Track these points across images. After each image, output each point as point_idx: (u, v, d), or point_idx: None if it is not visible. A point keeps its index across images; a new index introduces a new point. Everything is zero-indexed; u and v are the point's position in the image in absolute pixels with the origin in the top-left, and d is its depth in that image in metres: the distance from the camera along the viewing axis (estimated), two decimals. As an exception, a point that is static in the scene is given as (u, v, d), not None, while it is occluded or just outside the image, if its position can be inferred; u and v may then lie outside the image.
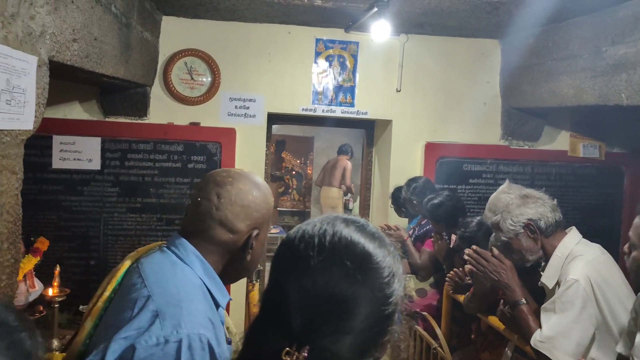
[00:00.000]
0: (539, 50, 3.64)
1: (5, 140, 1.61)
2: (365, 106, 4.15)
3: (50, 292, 3.01)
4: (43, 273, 3.06)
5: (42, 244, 3.16)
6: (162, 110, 3.89)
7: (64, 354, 2.07)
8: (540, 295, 2.33)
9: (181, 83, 3.90)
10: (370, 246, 0.85)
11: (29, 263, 2.92)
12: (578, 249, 2.17)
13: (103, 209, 3.82)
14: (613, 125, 4.15)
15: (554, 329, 2.02)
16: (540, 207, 2.20)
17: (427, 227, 3.62)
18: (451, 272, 2.96)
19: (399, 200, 3.87)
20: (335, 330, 0.80)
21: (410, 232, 3.80)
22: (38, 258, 3.10)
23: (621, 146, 4.38)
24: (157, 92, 3.88)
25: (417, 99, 4.17)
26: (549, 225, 2.20)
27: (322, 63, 4.08)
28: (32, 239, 3.05)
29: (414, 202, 3.65)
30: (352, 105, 4.14)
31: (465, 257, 2.41)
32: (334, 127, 5.10)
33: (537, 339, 2.05)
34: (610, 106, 2.97)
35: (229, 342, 1.34)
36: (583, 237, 2.26)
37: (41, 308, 3.01)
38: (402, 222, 4.02)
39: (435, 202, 3.26)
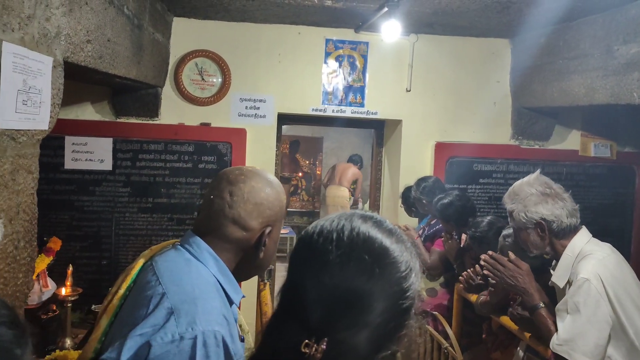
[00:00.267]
0: (549, 50, 3.63)
1: (21, 140, 1.63)
2: (375, 106, 4.16)
3: (63, 291, 3.04)
4: (55, 273, 3.09)
5: (55, 243, 3.20)
6: (173, 111, 3.92)
7: (80, 351, 2.10)
8: (550, 295, 2.32)
9: (192, 84, 3.93)
10: (387, 241, 0.86)
11: (42, 263, 2.95)
12: (588, 248, 2.16)
13: (115, 209, 3.85)
14: (624, 125, 4.13)
15: (570, 330, 2.01)
16: (558, 209, 2.17)
17: (437, 226, 3.62)
18: (463, 273, 2.96)
19: (409, 200, 3.88)
20: (353, 323, 0.81)
21: (420, 232, 3.79)
22: (51, 258, 3.13)
23: (633, 145, 4.36)
24: (168, 92, 3.91)
25: (427, 98, 4.17)
26: (562, 229, 2.18)
27: (332, 63, 4.09)
28: (44, 238, 3.08)
29: (424, 201, 3.64)
30: (362, 105, 4.15)
31: (481, 262, 2.40)
32: (343, 127, 5.11)
33: (555, 343, 2.04)
34: (621, 105, 2.96)
35: (242, 340, 1.35)
36: (594, 237, 2.25)
37: (54, 307, 3.04)
38: (412, 221, 4.02)
39: (445, 202, 3.26)
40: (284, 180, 8.40)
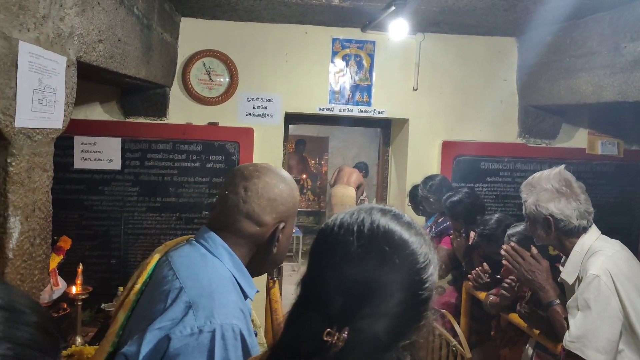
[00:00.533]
0: (556, 48, 3.63)
1: (37, 138, 1.66)
2: (382, 105, 4.17)
3: (74, 290, 3.07)
4: (66, 271, 3.12)
5: (65, 242, 3.23)
6: (181, 111, 3.94)
7: (96, 346, 2.12)
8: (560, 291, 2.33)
9: (200, 83, 3.95)
10: (406, 234, 0.89)
11: (53, 261, 2.98)
12: (597, 245, 2.16)
13: (124, 208, 3.87)
14: (632, 123, 4.13)
15: (581, 327, 2.01)
16: (569, 209, 2.17)
17: (444, 225, 3.63)
18: (472, 271, 2.97)
19: (417, 198, 3.89)
20: (374, 312, 0.83)
21: (427, 230, 3.80)
22: (61, 257, 3.16)
23: (640, 143, 4.36)
24: (176, 92, 3.93)
25: (434, 97, 4.18)
26: (569, 229, 2.18)
27: (339, 62, 4.10)
28: (55, 237, 3.11)
29: (431, 199, 3.65)
30: (369, 104, 4.16)
31: (502, 252, 2.40)
32: (350, 126, 5.12)
33: (567, 339, 2.05)
34: (629, 103, 2.96)
35: (254, 334, 1.37)
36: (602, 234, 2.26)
37: (65, 306, 3.07)
38: (420, 220, 4.03)
39: (454, 200, 3.27)
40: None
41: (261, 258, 1.37)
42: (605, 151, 4.24)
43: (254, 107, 4.04)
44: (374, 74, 4.14)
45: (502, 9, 3.30)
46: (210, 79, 3.96)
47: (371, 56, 4.13)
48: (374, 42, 4.12)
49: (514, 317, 2.60)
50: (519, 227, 2.60)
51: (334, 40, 4.08)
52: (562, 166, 2.32)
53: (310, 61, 4.07)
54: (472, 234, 3.23)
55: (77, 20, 1.88)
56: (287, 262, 5.03)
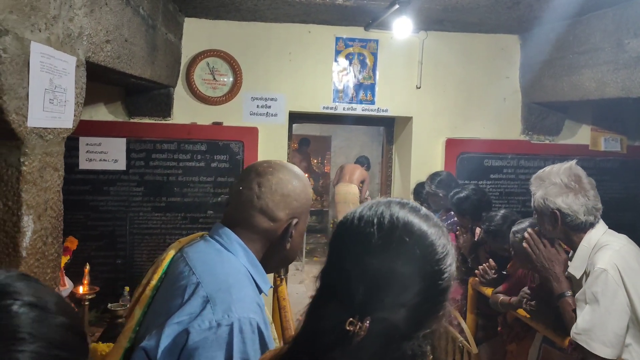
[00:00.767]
0: (559, 44, 3.64)
1: (48, 138, 1.67)
2: (386, 103, 4.18)
3: (81, 290, 3.08)
4: (72, 272, 3.13)
5: (72, 243, 3.24)
6: (185, 111, 3.96)
7: (109, 343, 2.14)
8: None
9: (204, 83, 3.96)
10: (424, 225, 0.91)
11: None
12: (605, 239, 2.17)
13: (129, 209, 3.89)
14: (634, 119, 4.14)
15: (589, 320, 2.02)
16: (576, 205, 2.17)
17: (448, 221, 3.64)
18: (479, 267, 2.98)
19: (422, 196, 3.89)
20: (395, 302, 0.85)
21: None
22: (68, 257, 3.17)
23: (643, 139, 4.37)
24: (180, 92, 3.94)
25: (437, 95, 4.19)
26: (576, 224, 2.19)
27: (343, 61, 4.12)
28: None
29: (440, 195, 3.65)
30: (372, 102, 4.17)
31: (525, 235, 2.41)
32: (354, 125, 5.13)
33: (574, 332, 2.06)
34: (633, 99, 2.97)
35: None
36: (607, 230, 2.27)
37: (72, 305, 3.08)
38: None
39: (462, 196, 3.28)
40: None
41: (274, 254, 1.38)
42: (608, 147, 4.25)
43: (258, 106, 4.05)
44: (377, 73, 4.16)
45: (505, 6, 3.31)
46: (214, 78, 3.98)
47: (374, 55, 4.14)
48: (377, 41, 4.13)
49: (521, 312, 2.61)
50: (525, 223, 2.61)
51: (337, 39, 4.09)
52: (574, 161, 2.32)
53: (314, 60, 4.08)
54: (477, 230, 3.24)
55: (86, 20, 1.90)
56: (291, 262, 5.02)
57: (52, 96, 1.65)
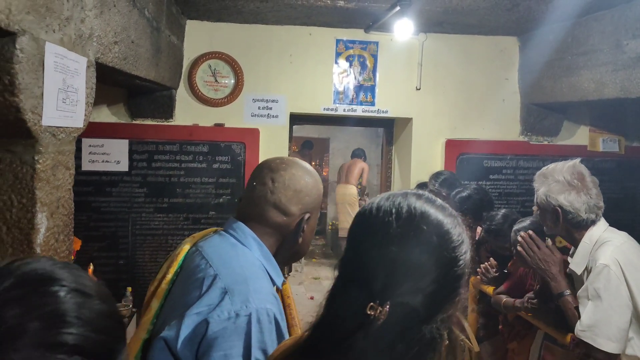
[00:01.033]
0: (558, 46, 3.69)
1: (60, 137, 1.70)
2: (386, 105, 4.22)
3: (86, 289, 3.10)
4: (76, 272, 3.14)
5: (75, 243, 3.25)
6: (187, 112, 3.99)
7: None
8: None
9: (205, 85, 3.99)
10: (440, 215, 0.95)
11: (65, 262, 3.01)
12: (606, 236, 2.20)
13: (131, 209, 3.91)
14: (632, 119, 4.18)
15: (592, 316, 2.05)
16: (578, 202, 2.20)
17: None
18: (481, 265, 3.01)
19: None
20: (414, 287, 0.88)
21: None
22: (72, 257, 3.19)
23: (641, 140, 4.41)
24: (182, 94, 3.97)
25: (437, 96, 4.23)
26: (577, 222, 2.22)
27: (343, 63, 4.15)
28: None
29: (444, 193, 3.67)
30: (372, 104, 4.21)
31: (519, 238, 2.44)
32: (354, 126, 5.16)
33: (579, 329, 2.08)
34: (631, 99, 3.02)
35: None
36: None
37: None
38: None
39: (464, 195, 3.30)
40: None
41: (287, 249, 1.42)
42: (606, 148, 4.29)
43: (259, 108, 4.08)
44: (377, 74, 4.19)
45: (504, 8, 3.36)
46: (216, 80, 4.01)
47: (374, 56, 4.18)
48: (377, 43, 4.17)
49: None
50: (526, 222, 2.64)
51: (338, 41, 4.13)
52: (577, 159, 2.36)
53: (315, 62, 4.12)
54: (478, 229, 3.27)
55: (96, 22, 1.93)
56: (295, 262, 5.05)
57: (65, 96, 1.68)
